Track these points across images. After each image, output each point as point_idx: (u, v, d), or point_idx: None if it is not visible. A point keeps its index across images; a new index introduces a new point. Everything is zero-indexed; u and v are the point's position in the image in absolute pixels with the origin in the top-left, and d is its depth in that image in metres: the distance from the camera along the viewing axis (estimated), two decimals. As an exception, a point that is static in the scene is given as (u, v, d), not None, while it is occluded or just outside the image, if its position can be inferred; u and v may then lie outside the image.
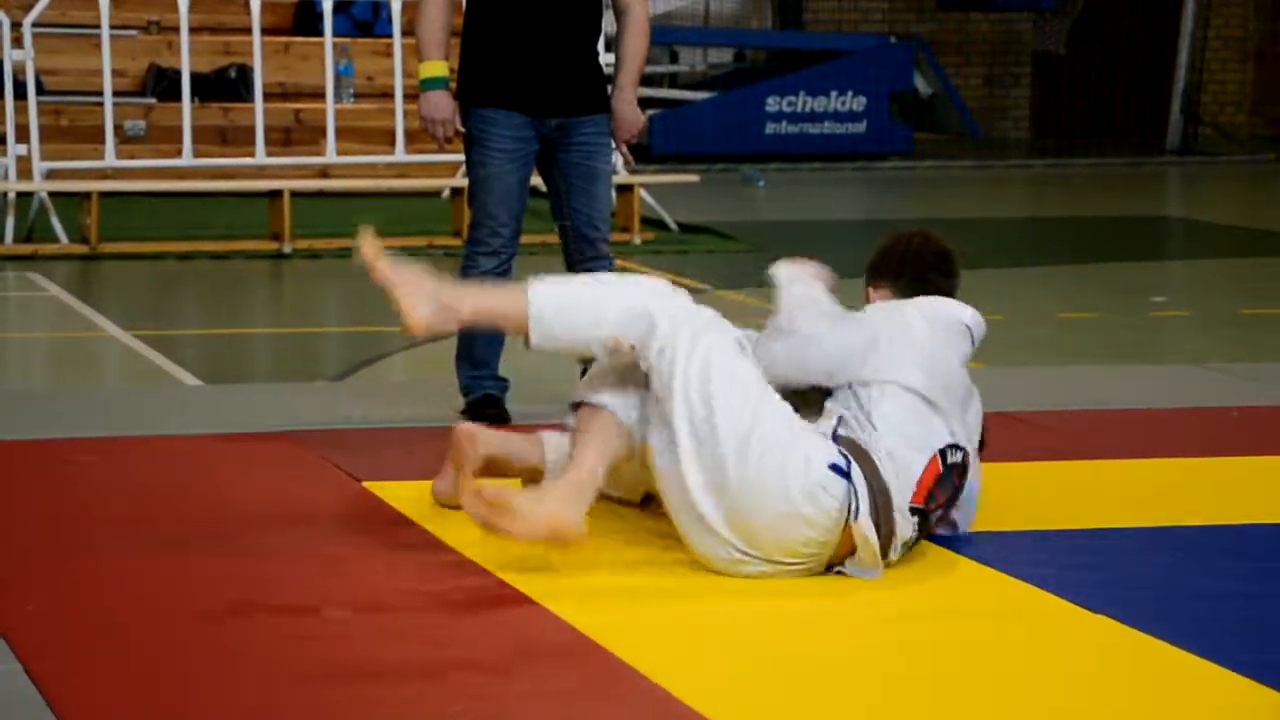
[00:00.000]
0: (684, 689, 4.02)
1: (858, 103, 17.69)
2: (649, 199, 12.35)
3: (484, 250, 6.54)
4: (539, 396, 6.85)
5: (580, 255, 6.62)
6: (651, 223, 12.34)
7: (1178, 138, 18.85)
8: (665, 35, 18.43)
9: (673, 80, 19.11)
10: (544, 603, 4.59)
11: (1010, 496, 5.66)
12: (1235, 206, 15.64)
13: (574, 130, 6.51)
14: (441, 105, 6.50)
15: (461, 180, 11.64)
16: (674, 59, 19.28)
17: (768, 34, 19.97)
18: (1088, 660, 4.28)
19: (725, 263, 11.29)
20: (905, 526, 4.81)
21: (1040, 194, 16.54)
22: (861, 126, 17.71)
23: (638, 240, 11.78)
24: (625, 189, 11.81)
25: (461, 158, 11.66)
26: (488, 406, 6.57)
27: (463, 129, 6.53)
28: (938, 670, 4.21)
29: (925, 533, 4.94)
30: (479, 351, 6.60)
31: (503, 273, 6.57)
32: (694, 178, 13.36)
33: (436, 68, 6.51)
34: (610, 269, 6.65)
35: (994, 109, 20.77)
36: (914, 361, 4.87)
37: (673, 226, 12.46)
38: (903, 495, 4.80)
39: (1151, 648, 4.31)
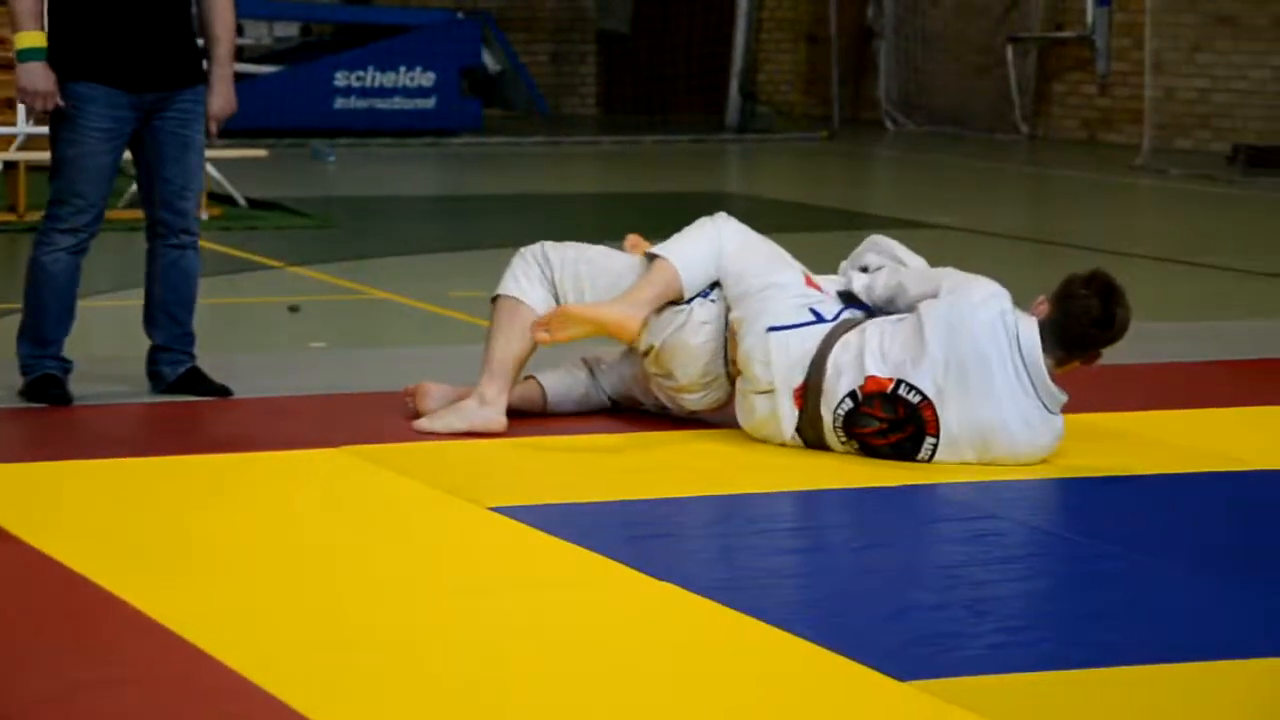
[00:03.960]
0: (250, 667, 4.02)
1: (426, 78, 17.70)
2: (215, 174, 12.18)
3: (65, 227, 6.39)
4: (106, 378, 6.74)
5: (167, 229, 6.49)
6: (219, 198, 12.18)
7: (736, 116, 19.34)
8: (230, 8, 18.17)
9: (238, 54, 18.84)
10: (103, 583, 4.53)
11: (566, 468, 5.77)
12: (790, 182, 16.12)
13: (170, 101, 6.43)
14: (42, 77, 6.30)
15: (15, 154, 11.31)
16: (239, 32, 19.02)
17: (334, 8, 19.84)
18: (651, 626, 4.40)
19: (296, 239, 11.22)
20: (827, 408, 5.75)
21: (608, 170, 16.81)
22: (431, 102, 17.73)
23: (205, 216, 11.60)
24: (192, 164, 11.64)
25: (14, 130, 11.41)
26: (50, 386, 6.43)
27: (62, 102, 6.35)
28: (518, 643, 4.29)
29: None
30: (47, 330, 6.45)
31: (79, 251, 6.43)
32: (262, 153, 13.22)
33: (35, 38, 6.32)
34: (195, 252, 6.54)
35: (562, 86, 21.00)
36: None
37: (241, 202, 12.32)
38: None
39: (712, 612, 4.46)
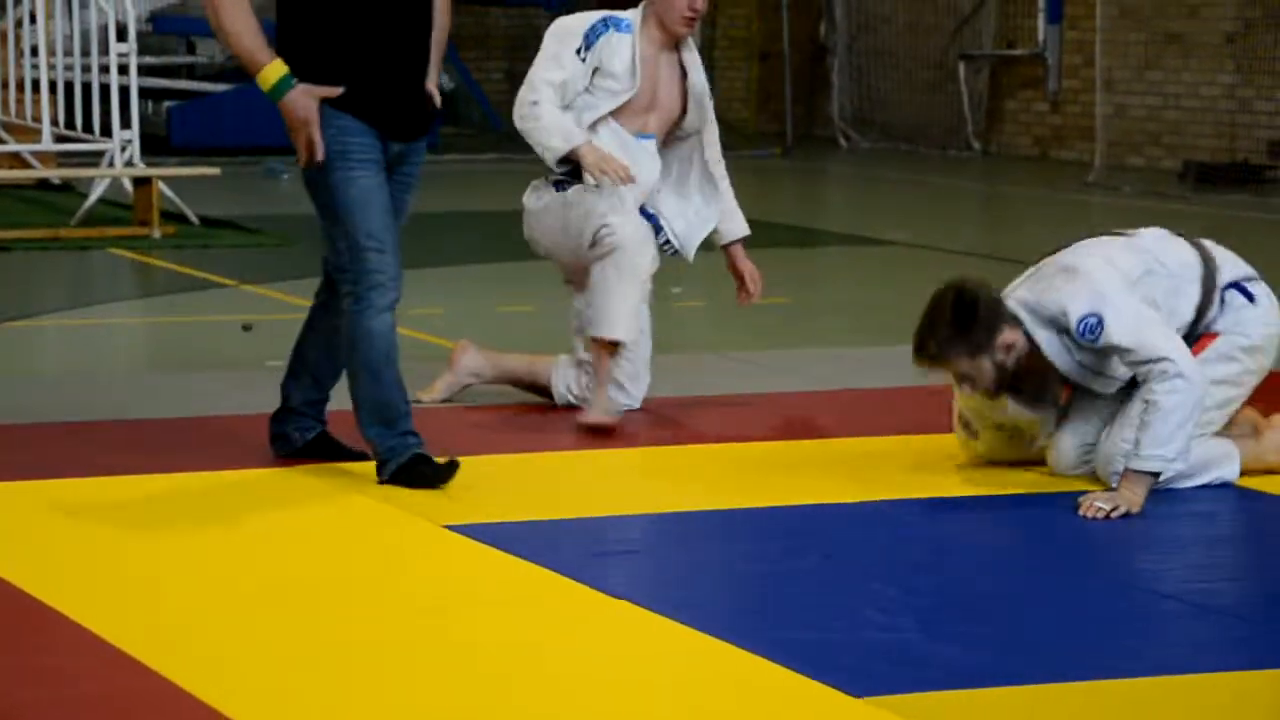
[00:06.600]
0: (205, 688, 4.01)
1: (380, 96, 17.70)
2: (168, 192, 12.14)
3: (376, 281, 5.51)
4: (58, 397, 6.70)
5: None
6: (172, 216, 12.14)
7: (691, 132, 19.38)
8: (182, 25, 18.13)
9: (190, 71, 18.80)
10: (54, 604, 4.52)
11: (542, 483, 5.77)
12: (743, 199, 16.11)
13: (406, 158, 5.70)
14: (308, 104, 5.52)
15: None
16: (191, 50, 18.97)
17: (288, 25, 19.81)
18: (610, 644, 4.41)
19: (250, 257, 11.18)
20: None
21: (561, 187, 16.80)
22: (384, 120, 17.72)
23: (157, 234, 11.56)
24: (143, 182, 11.60)
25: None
26: (428, 470, 5.60)
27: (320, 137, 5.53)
28: (471, 661, 4.29)
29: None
30: (393, 402, 5.60)
31: (395, 305, 5.57)
32: (215, 170, 13.17)
33: (278, 68, 5.55)
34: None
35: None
36: None
37: (194, 220, 12.27)
38: None
39: (672, 630, 4.46)
